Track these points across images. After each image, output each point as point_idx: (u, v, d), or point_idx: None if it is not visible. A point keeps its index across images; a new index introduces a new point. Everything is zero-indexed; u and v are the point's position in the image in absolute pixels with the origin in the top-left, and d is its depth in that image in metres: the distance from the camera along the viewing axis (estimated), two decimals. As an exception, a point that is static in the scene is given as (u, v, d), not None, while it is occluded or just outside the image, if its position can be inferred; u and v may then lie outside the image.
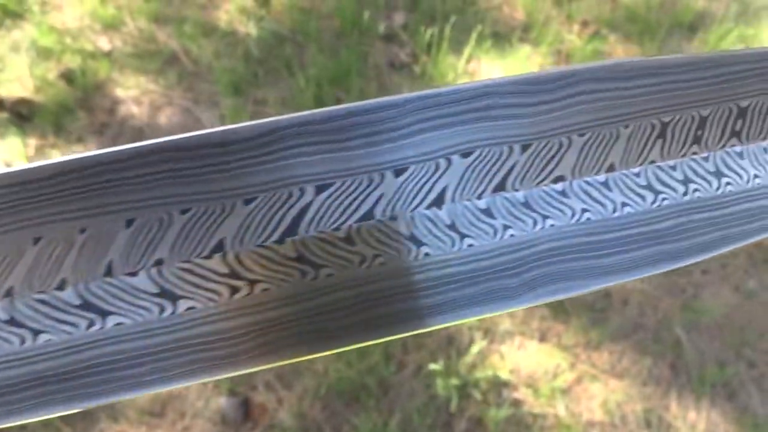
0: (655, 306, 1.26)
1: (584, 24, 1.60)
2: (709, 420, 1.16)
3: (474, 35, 1.50)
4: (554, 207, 0.31)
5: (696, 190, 0.34)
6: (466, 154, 0.30)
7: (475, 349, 1.16)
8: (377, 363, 1.13)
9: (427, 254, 0.30)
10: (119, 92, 1.41)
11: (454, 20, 1.52)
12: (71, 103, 1.36)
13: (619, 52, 1.57)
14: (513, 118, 0.31)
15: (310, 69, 1.43)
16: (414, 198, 0.30)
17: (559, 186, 0.31)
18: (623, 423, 1.14)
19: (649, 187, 0.33)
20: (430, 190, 0.30)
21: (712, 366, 1.20)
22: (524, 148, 0.31)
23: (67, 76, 1.39)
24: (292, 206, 0.28)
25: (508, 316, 1.21)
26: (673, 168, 0.34)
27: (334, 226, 0.29)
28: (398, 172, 0.29)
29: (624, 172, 0.32)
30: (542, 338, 1.21)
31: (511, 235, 0.31)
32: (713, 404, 1.17)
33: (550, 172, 0.31)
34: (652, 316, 1.24)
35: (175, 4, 1.54)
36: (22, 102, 1.34)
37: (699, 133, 0.34)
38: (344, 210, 0.29)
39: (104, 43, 1.46)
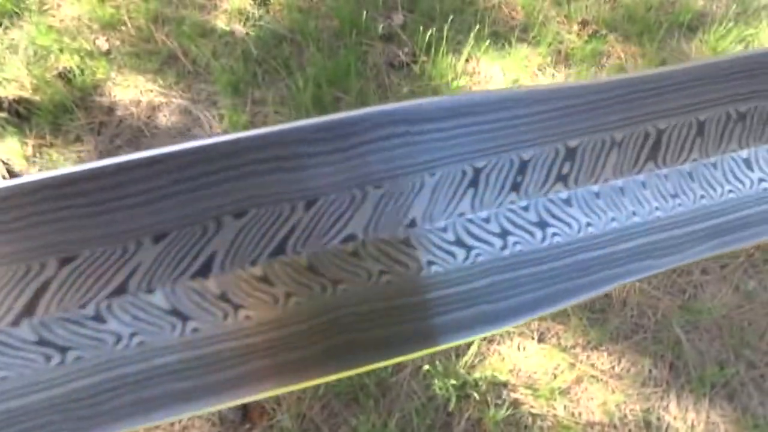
0: (654, 306, 1.25)
1: (583, 24, 1.59)
2: (708, 420, 1.15)
3: (472, 35, 1.49)
4: (346, 270, 0.28)
5: (516, 243, 0.30)
6: (239, 215, 0.26)
7: (473, 349, 1.15)
8: (376, 363, 1.13)
9: (195, 329, 0.26)
10: (117, 92, 1.41)
11: (453, 20, 1.52)
12: (69, 102, 1.35)
13: (619, 51, 1.57)
14: (296, 171, 0.27)
15: (308, 69, 1.43)
16: (176, 267, 0.26)
17: (349, 246, 0.28)
18: (623, 423, 1.14)
19: (458, 242, 0.29)
20: (195, 257, 0.26)
21: (712, 366, 1.20)
22: (309, 204, 0.27)
23: (66, 76, 1.39)
24: (29, 283, 0.25)
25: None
26: (487, 220, 0.30)
27: (80, 303, 0.25)
28: (157, 238, 0.26)
29: (427, 227, 0.29)
30: (541, 339, 1.20)
31: (297, 303, 0.27)
32: (713, 405, 1.17)
33: (339, 230, 0.28)
34: (652, 317, 1.24)
35: (173, 4, 1.53)
36: (21, 101, 1.34)
37: (518, 179, 0.30)
38: (91, 285, 0.25)
39: (102, 43, 1.46)
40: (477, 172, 0.29)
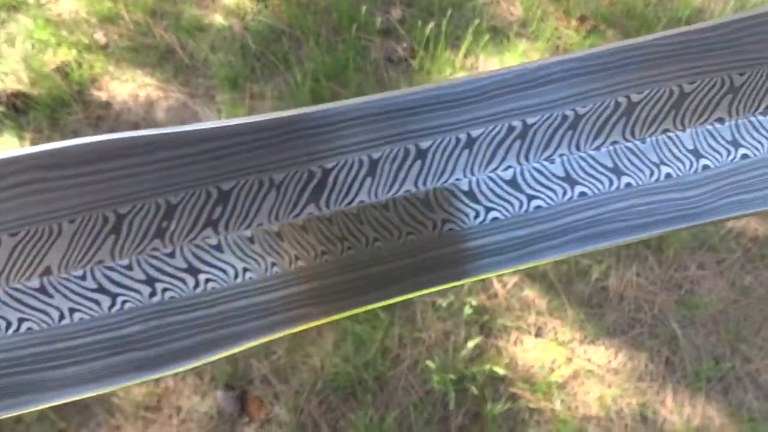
0: (651, 301, 1.26)
1: (582, 19, 1.59)
2: (704, 415, 1.16)
3: (471, 30, 1.49)
4: None
5: (166, 289, 0.29)
6: None
7: (471, 344, 1.16)
8: (373, 358, 1.13)
9: None
10: (115, 86, 1.40)
11: (452, 15, 1.51)
12: (67, 96, 1.35)
13: (617, 47, 1.57)
14: None
15: (307, 63, 1.43)
16: None
17: None
18: (619, 417, 1.15)
19: (101, 290, 0.28)
20: None
21: (708, 361, 1.21)
22: None
23: (63, 70, 1.38)
24: None
25: (505, 311, 1.21)
26: (129, 267, 0.28)
27: None
28: None
29: (64, 276, 0.28)
30: (538, 333, 1.21)
31: None
32: (709, 399, 1.18)
33: None
34: (648, 312, 1.25)
35: (171, -2, 1.53)
36: (18, 95, 1.34)
37: (164, 224, 0.29)
38: None
39: (100, 37, 1.45)
40: (120, 218, 0.28)
